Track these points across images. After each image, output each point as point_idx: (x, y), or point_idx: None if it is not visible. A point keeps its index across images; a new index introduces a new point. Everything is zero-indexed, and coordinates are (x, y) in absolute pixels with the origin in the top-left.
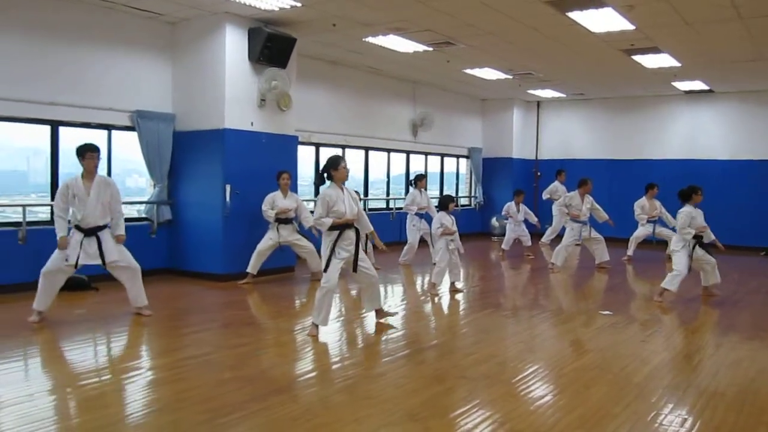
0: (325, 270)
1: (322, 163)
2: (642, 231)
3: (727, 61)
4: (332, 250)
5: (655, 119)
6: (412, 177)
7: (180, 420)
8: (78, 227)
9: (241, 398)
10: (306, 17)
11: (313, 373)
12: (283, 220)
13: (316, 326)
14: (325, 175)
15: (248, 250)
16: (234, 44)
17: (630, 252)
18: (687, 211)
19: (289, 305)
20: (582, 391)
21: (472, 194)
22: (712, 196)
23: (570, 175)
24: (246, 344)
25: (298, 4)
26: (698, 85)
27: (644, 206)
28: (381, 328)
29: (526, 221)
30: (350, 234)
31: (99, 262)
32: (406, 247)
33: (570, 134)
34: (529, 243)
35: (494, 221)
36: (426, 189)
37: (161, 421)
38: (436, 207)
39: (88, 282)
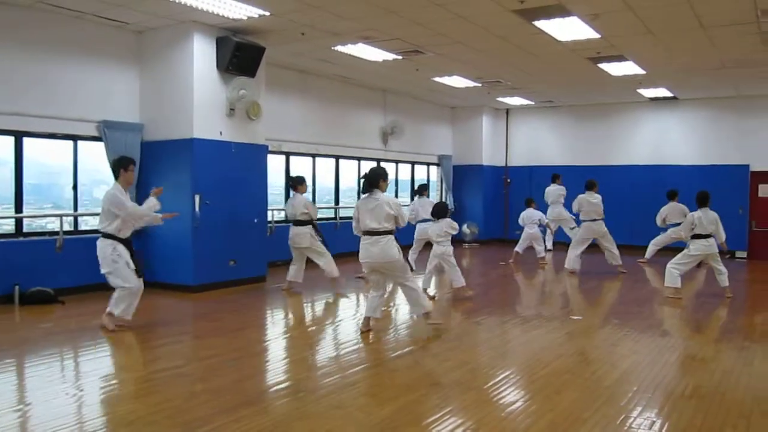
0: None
1: (293, 171)
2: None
3: (691, 69)
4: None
5: (621, 126)
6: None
7: None
8: (118, 238)
9: (212, 410)
10: (275, 26)
11: (285, 384)
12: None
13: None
14: (369, 183)
15: (218, 260)
16: (202, 53)
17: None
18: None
19: (260, 316)
20: (553, 396)
21: (443, 201)
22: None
23: (539, 181)
24: (217, 356)
25: (267, 13)
26: (662, 92)
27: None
28: (364, 336)
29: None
30: None
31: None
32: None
33: (539, 141)
34: (519, 250)
35: (465, 228)
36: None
37: None
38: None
39: (54, 295)
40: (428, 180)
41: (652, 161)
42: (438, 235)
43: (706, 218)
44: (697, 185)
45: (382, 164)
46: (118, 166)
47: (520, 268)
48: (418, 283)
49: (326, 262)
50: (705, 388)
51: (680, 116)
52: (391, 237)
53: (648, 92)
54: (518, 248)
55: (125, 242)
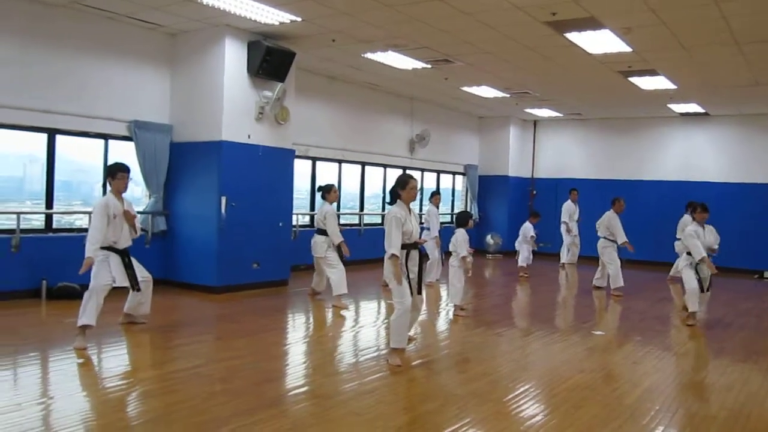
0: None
1: (319, 176)
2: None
3: (723, 85)
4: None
5: (650, 140)
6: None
7: None
8: (112, 248)
9: (230, 412)
10: (305, 32)
11: (304, 388)
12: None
13: (397, 350)
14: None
15: (242, 263)
16: (233, 57)
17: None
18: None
19: (282, 319)
20: (573, 411)
21: (468, 211)
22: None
23: (565, 194)
24: (237, 357)
25: (298, 19)
26: (693, 107)
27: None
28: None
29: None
30: (415, 254)
31: (128, 284)
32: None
33: (566, 154)
34: (529, 262)
35: (489, 239)
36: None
37: None
38: (443, 223)
39: (80, 291)
40: (453, 189)
41: (680, 177)
42: (452, 244)
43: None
44: (727, 203)
45: (408, 172)
46: (106, 174)
47: (541, 280)
48: None
49: (337, 276)
50: (729, 409)
51: (711, 132)
52: None
53: (678, 107)
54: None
55: (121, 253)
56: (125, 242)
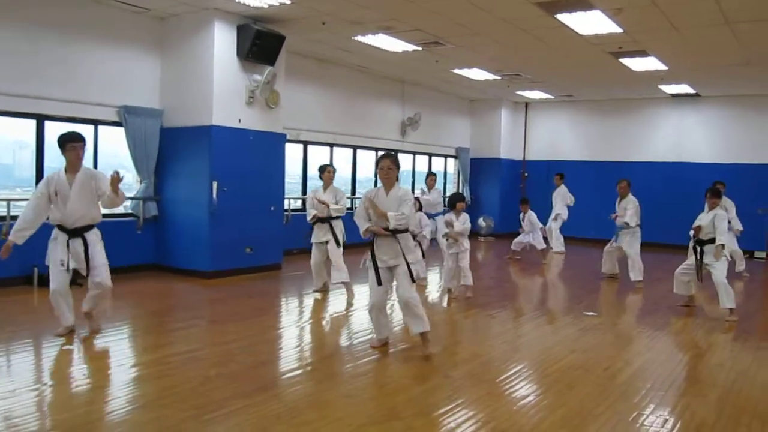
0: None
1: (311, 160)
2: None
3: (714, 66)
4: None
5: (641, 122)
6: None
7: (164, 417)
8: (61, 227)
9: (225, 395)
10: (295, 15)
11: (298, 371)
12: (320, 219)
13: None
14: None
15: (235, 247)
16: (223, 41)
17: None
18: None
19: (276, 303)
20: (565, 391)
21: (459, 193)
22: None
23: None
24: (232, 341)
25: (288, 2)
26: (684, 88)
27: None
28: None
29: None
30: (385, 242)
31: (83, 266)
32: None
33: (557, 135)
34: (543, 246)
35: (481, 221)
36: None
37: (145, 417)
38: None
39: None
40: (445, 172)
41: (672, 158)
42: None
43: None
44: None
45: (400, 155)
46: (58, 145)
47: (533, 263)
48: None
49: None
50: (720, 387)
51: (702, 113)
52: None
53: (669, 88)
54: (538, 247)
55: (71, 233)
56: (77, 222)
